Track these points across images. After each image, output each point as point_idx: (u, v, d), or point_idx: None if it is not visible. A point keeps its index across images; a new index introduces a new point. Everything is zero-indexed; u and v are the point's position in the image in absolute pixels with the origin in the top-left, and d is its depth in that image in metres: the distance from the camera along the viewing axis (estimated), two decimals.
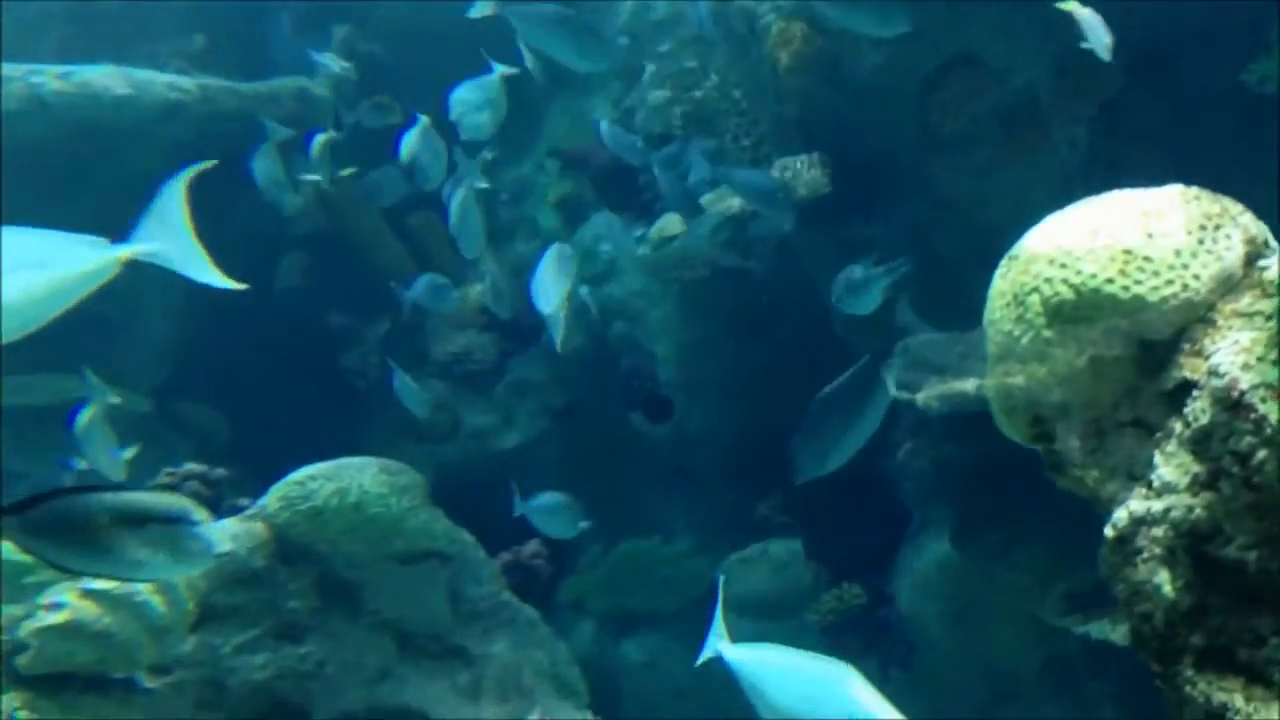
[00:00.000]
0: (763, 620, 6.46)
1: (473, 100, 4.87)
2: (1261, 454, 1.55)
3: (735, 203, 5.22)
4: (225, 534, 3.60)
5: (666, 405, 6.35)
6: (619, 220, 5.96)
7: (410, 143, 4.75)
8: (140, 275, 2.36)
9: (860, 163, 4.96)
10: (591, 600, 6.04)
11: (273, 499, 3.90)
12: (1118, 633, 5.19)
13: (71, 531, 2.24)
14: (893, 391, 4.54)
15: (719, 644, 3.73)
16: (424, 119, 4.80)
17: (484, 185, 4.96)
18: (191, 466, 4.56)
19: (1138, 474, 1.68)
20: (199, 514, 2.46)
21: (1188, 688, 1.60)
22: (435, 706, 3.87)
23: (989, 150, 4.53)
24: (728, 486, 6.69)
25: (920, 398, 4.11)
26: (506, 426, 6.29)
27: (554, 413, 6.31)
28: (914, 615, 5.96)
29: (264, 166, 5.02)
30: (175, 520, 2.39)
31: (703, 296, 5.87)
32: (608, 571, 6.27)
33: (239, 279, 2.40)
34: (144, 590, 3.38)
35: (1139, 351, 1.71)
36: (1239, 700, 1.54)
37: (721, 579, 3.98)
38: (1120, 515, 1.68)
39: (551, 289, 4.22)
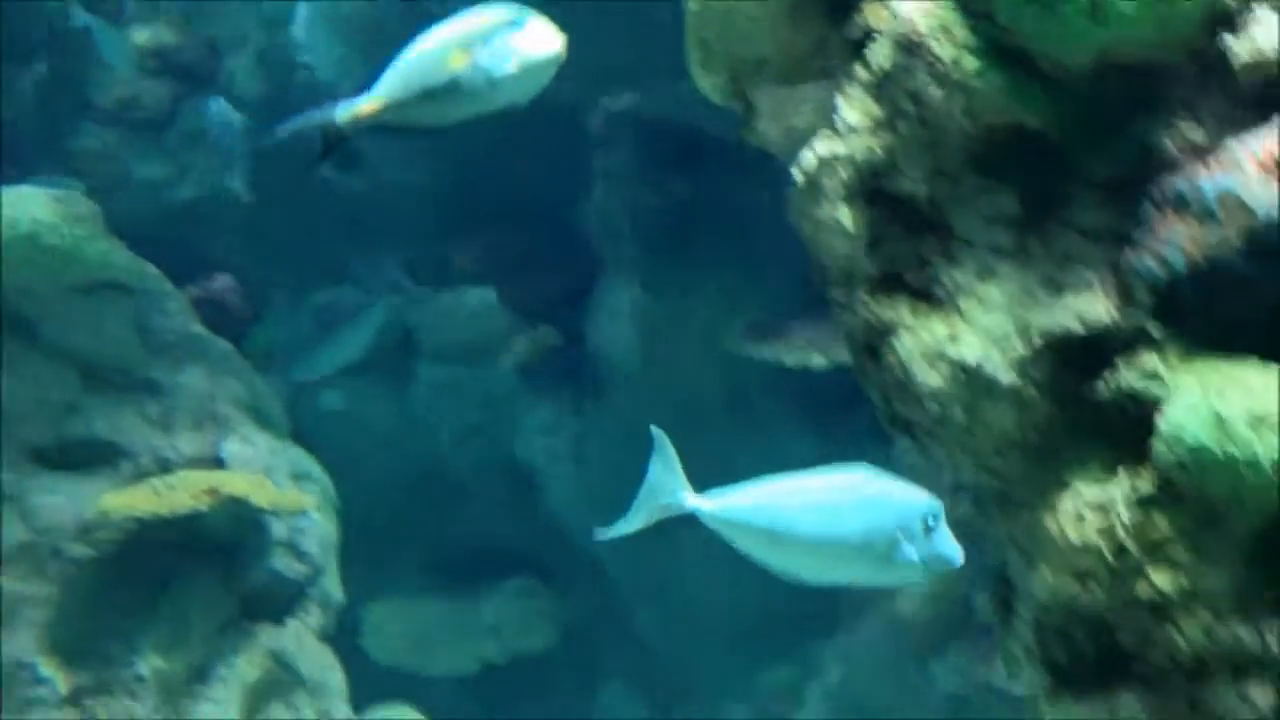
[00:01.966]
0: (460, 365, 6.54)
1: None
2: (935, 92, 1.67)
3: None
4: None
5: (356, 154, 6.20)
6: None
7: None
8: None
9: None
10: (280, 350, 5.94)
11: None
12: (791, 357, 5.52)
13: None
14: None
15: (687, 501, 3.50)
16: None
17: None
18: None
19: (824, 121, 1.78)
20: None
21: (863, 311, 1.74)
22: (126, 437, 3.79)
23: None
24: (423, 237, 6.64)
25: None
26: (181, 179, 5.98)
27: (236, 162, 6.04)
28: (605, 351, 6.16)
29: None
30: None
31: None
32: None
33: None
34: None
35: (829, 2, 1.80)
36: (906, 315, 1.69)
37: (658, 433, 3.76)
38: (807, 158, 1.78)
39: None
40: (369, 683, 4.84)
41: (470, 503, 6.54)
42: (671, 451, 3.97)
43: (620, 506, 6.76)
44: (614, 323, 6.18)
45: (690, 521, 5.33)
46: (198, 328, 4.09)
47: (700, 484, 5.06)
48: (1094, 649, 1.53)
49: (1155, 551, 1.48)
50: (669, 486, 3.86)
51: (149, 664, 3.54)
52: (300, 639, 3.93)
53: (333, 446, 4.98)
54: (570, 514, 6.43)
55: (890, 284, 1.72)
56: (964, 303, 1.66)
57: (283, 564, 3.93)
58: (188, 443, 3.81)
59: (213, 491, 3.46)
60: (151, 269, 4.02)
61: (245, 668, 3.72)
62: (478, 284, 6.57)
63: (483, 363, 6.55)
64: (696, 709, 6.42)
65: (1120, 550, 1.49)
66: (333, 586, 4.17)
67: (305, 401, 6.24)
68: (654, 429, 4.04)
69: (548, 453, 6.44)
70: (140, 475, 3.68)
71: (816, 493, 3.43)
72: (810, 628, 5.95)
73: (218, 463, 3.83)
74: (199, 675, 3.71)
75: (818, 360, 5.60)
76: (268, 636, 3.82)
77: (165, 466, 3.72)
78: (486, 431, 6.56)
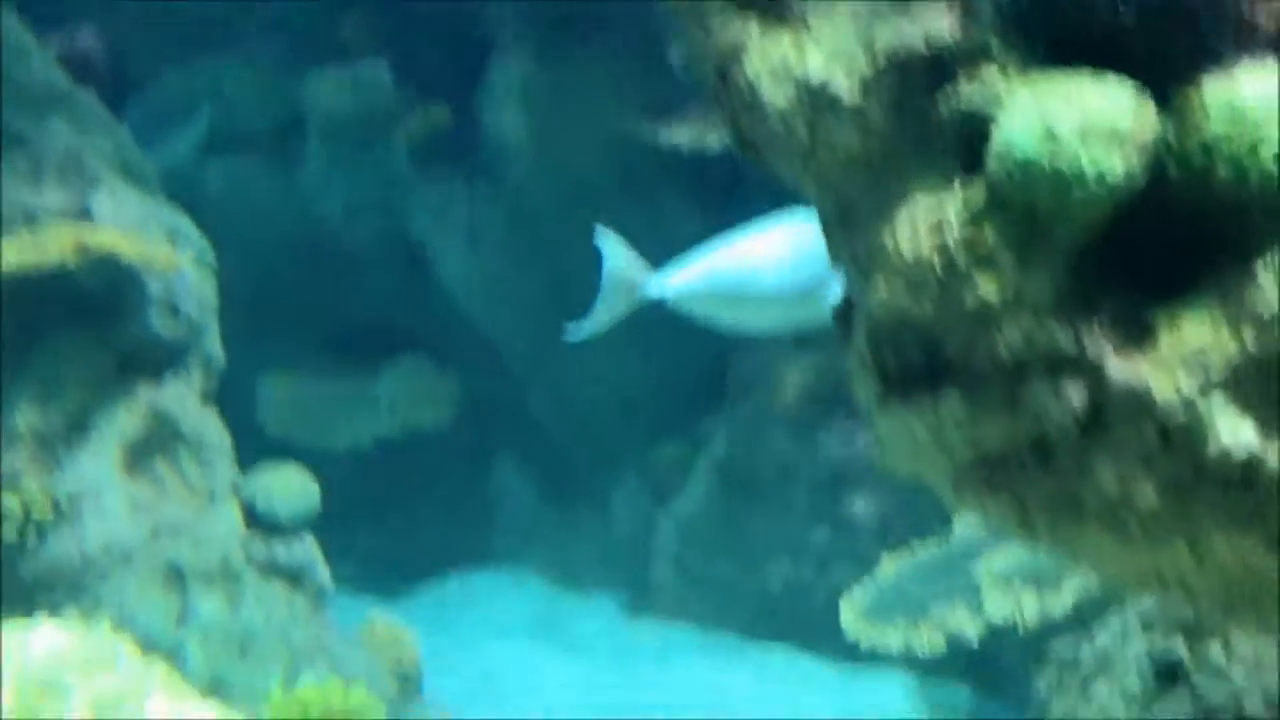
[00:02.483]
0: (350, 142, 6.42)
1: None
2: None
3: None
4: None
5: None
6: None
7: None
8: None
9: None
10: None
11: None
12: (684, 138, 5.48)
13: None
14: None
15: (652, 287, 3.41)
16: None
17: None
18: None
19: None
20: None
21: (715, 31, 1.72)
22: None
23: None
24: (311, 10, 6.45)
25: None
26: None
27: None
28: (496, 130, 6.07)
29: None
30: None
31: None
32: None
33: None
34: None
35: None
36: (754, 33, 1.68)
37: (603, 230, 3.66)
38: None
39: None
40: (263, 457, 4.87)
41: (363, 280, 6.51)
42: (623, 245, 3.95)
43: (513, 287, 6.78)
44: (505, 100, 6.08)
45: (584, 295, 5.36)
46: (63, 81, 3.96)
47: (586, 266, 5.09)
48: (922, 358, 1.58)
49: (983, 262, 1.51)
50: (632, 277, 3.84)
51: (23, 418, 3.53)
52: (181, 398, 3.93)
53: (217, 225, 4.89)
54: (463, 292, 6.44)
55: (742, 2, 1.70)
56: (813, 20, 1.65)
57: (159, 322, 3.90)
58: (54, 197, 3.72)
59: (80, 245, 3.39)
60: (13, 20, 3.86)
61: (124, 423, 3.72)
62: (367, 56, 6.41)
63: (374, 140, 6.44)
64: (588, 485, 6.57)
65: (950, 262, 1.53)
66: (213, 348, 4.16)
67: (191, 173, 6.12)
68: (599, 228, 4.02)
69: (440, 231, 6.40)
70: (4, 229, 3.59)
71: (760, 253, 3.44)
72: (699, 404, 6.08)
73: (85, 216, 3.75)
74: (77, 429, 3.70)
75: (711, 141, 5.58)
76: (147, 394, 3.81)
77: (31, 219, 3.64)
78: (378, 209, 6.48)
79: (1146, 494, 1.46)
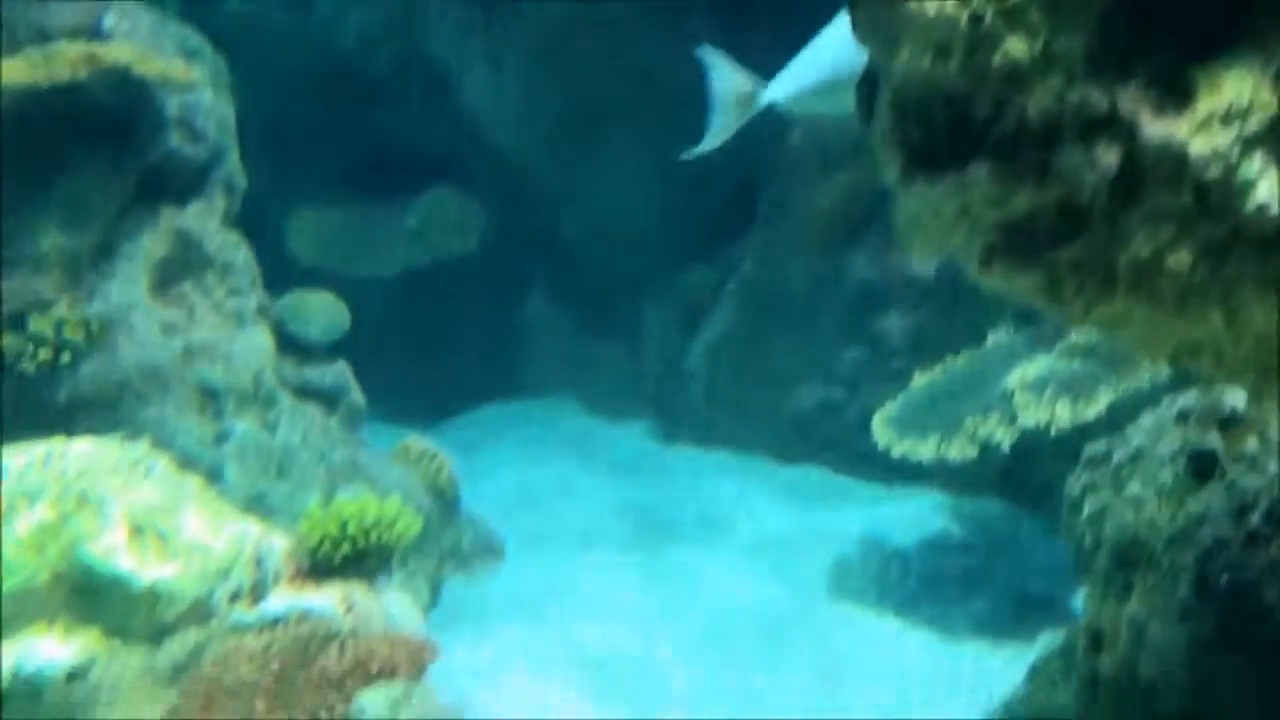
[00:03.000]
0: None
1: None
2: None
3: None
4: None
5: None
6: None
7: None
8: None
9: None
10: None
11: None
12: None
13: None
14: None
15: (765, 96, 3.59)
16: None
17: None
18: None
19: None
20: None
21: None
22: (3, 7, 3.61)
23: None
24: None
25: None
26: None
27: None
28: None
29: None
30: None
31: None
32: None
33: None
34: None
35: None
36: None
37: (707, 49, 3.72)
38: None
39: None
40: (294, 285, 4.87)
41: (385, 110, 6.43)
42: (728, 61, 3.96)
43: (537, 113, 6.65)
44: None
45: (610, 121, 5.26)
46: None
47: (610, 89, 4.97)
48: (947, 126, 1.53)
49: (1012, 19, 1.45)
50: (743, 90, 3.87)
51: (50, 241, 3.52)
52: (205, 220, 3.91)
53: (236, 56, 4.81)
54: (487, 120, 6.35)
55: None
56: None
57: (179, 143, 3.86)
58: (66, 14, 3.64)
59: (91, 59, 3.33)
60: None
61: (150, 245, 3.71)
62: None
63: None
64: (619, 313, 6.56)
65: (977, 19, 1.46)
66: (235, 170, 4.12)
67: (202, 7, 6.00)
68: (703, 48, 4.01)
69: (461, 58, 6.29)
70: (17, 48, 3.53)
71: (840, 46, 3.47)
72: (728, 229, 6.02)
73: (97, 34, 3.68)
74: (103, 253, 3.69)
75: None
76: (170, 216, 3.79)
77: (43, 37, 3.57)
78: (397, 37, 6.37)
79: (1181, 258, 1.42)
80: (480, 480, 5.43)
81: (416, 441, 4.63)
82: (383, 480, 4.16)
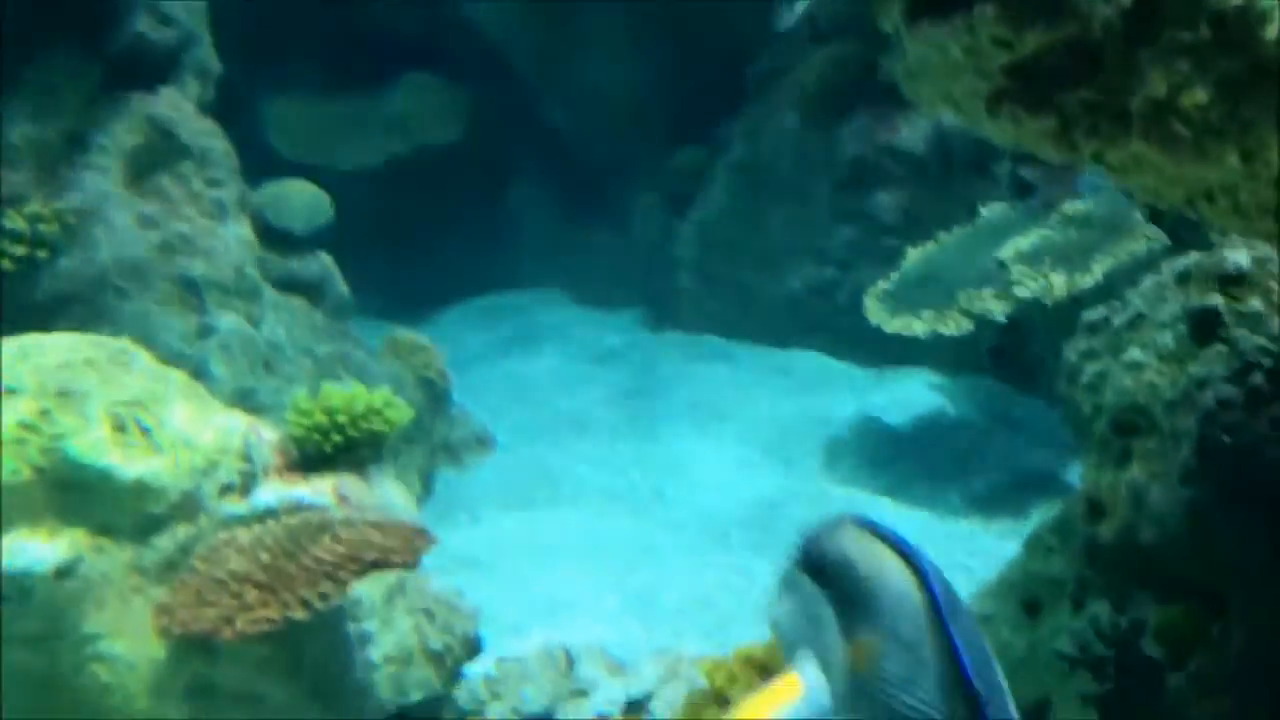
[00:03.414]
0: None
1: None
2: None
3: None
4: None
5: None
6: None
7: None
8: None
9: None
10: None
11: None
12: None
13: None
14: None
15: None
16: None
17: None
18: None
19: None
20: None
21: None
22: None
23: None
24: None
25: None
26: None
27: None
28: None
29: None
30: None
31: None
32: None
33: None
34: None
35: None
36: None
37: None
38: None
39: None
40: (274, 176, 4.76)
41: None
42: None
43: None
44: None
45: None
46: None
47: None
48: None
49: None
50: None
51: (20, 132, 3.41)
52: (178, 107, 3.80)
53: None
54: (471, 3, 6.19)
55: None
56: None
57: (147, 28, 3.73)
58: None
59: None
60: None
61: (123, 135, 3.60)
62: None
63: None
64: (607, 199, 6.47)
65: None
66: (207, 56, 3.99)
67: None
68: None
69: None
70: None
71: None
72: (716, 108, 5.91)
73: None
74: (75, 144, 3.59)
75: None
76: (142, 104, 3.68)
77: None
78: None
79: (1197, 95, 1.35)
80: (470, 372, 5.38)
81: (406, 335, 4.57)
82: (372, 374, 4.11)
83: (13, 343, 2.58)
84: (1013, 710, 1.17)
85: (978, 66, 1.48)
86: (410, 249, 6.30)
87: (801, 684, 1.26)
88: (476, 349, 5.79)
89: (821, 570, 1.26)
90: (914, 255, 4.40)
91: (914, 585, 1.21)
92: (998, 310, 3.84)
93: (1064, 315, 3.91)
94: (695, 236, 5.84)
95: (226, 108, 4.37)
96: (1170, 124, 1.37)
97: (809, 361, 5.40)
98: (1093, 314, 3.07)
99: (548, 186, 6.64)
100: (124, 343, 2.70)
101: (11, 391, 2.46)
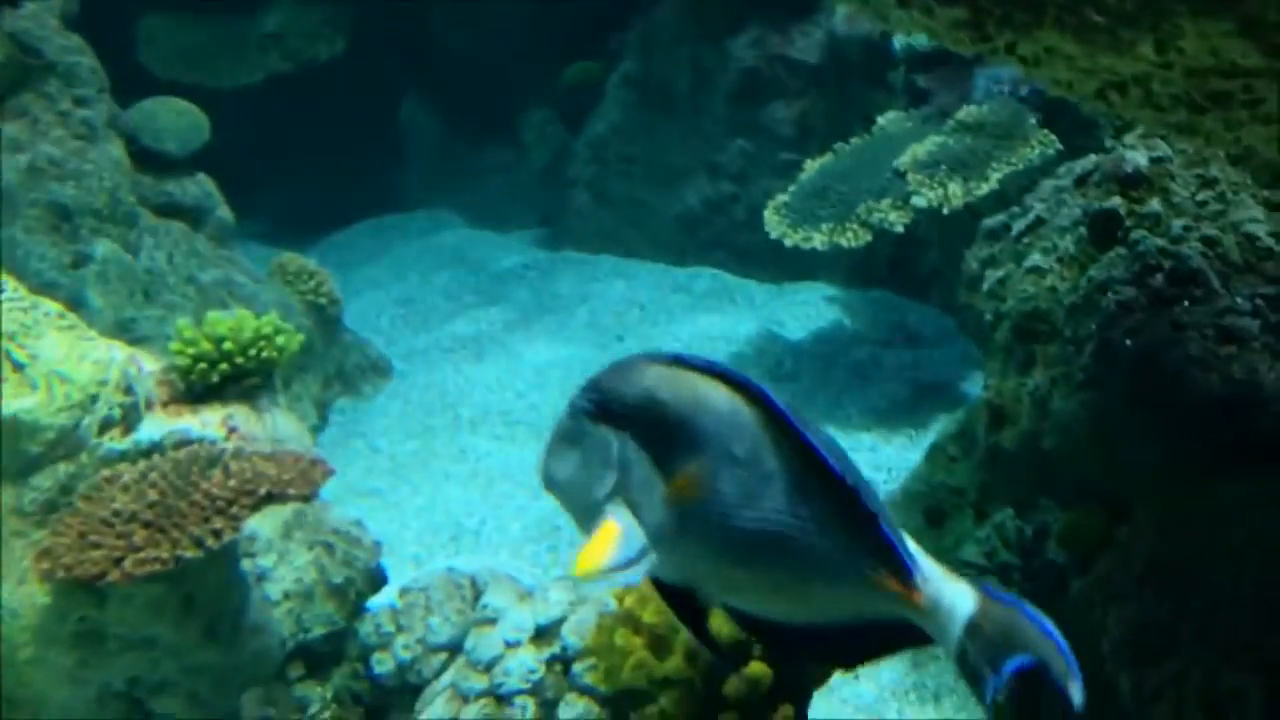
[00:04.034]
0: None
1: None
2: None
3: None
4: None
5: None
6: None
7: None
8: None
9: None
10: None
11: None
12: None
13: None
14: None
15: None
16: None
17: None
18: None
19: None
20: None
21: None
22: None
23: None
24: None
25: None
26: None
27: None
28: None
29: None
30: None
31: None
32: None
33: None
34: None
35: None
36: None
37: None
38: None
39: None
40: (148, 96, 4.54)
41: None
42: None
43: None
44: None
45: None
46: None
47: None
48: None
49: None
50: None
51: None
52: (41, 21, 3.59)
53: None
54: None
55: None
56: None
57: None
58: None
59: None
60: None
61: None
62: None
63: None
64: (498, 116, 6.33)
65: None
66: None
67: None
68: None
69: None
70: None
71: None
72: (607, 20, 5.78)
73: None
74: None
75: None
76: (1, 18, 3.46)
77: None
78: None
79: None
80: (361, 297, 5.25)
81: (293, 259, 4.42)
82: (258, 301, 3.97)
83: None
84: (881, 503, 1.16)
85: None
86: (295, 170, 6.12)
87: (617, 528, 1.23)
88: (367, 273, 5.65)
89: (620, 414, 1.23)
90: (811, 167, 4.35)
91: (742, 404, 1.19)
92: (896, 221, 3.81)
93: (960, 224, 3.91)
94: (589, 153, 5.74)
95: (91, 24, 4.16)
96: (1085, 12, 1.32)
97: (708, 279, 5.36)
98: (992, 221, 3.05)
99: (437, 102, 6.48)
100: None
101: None
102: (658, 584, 1.28)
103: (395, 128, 6.50)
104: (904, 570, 1.15)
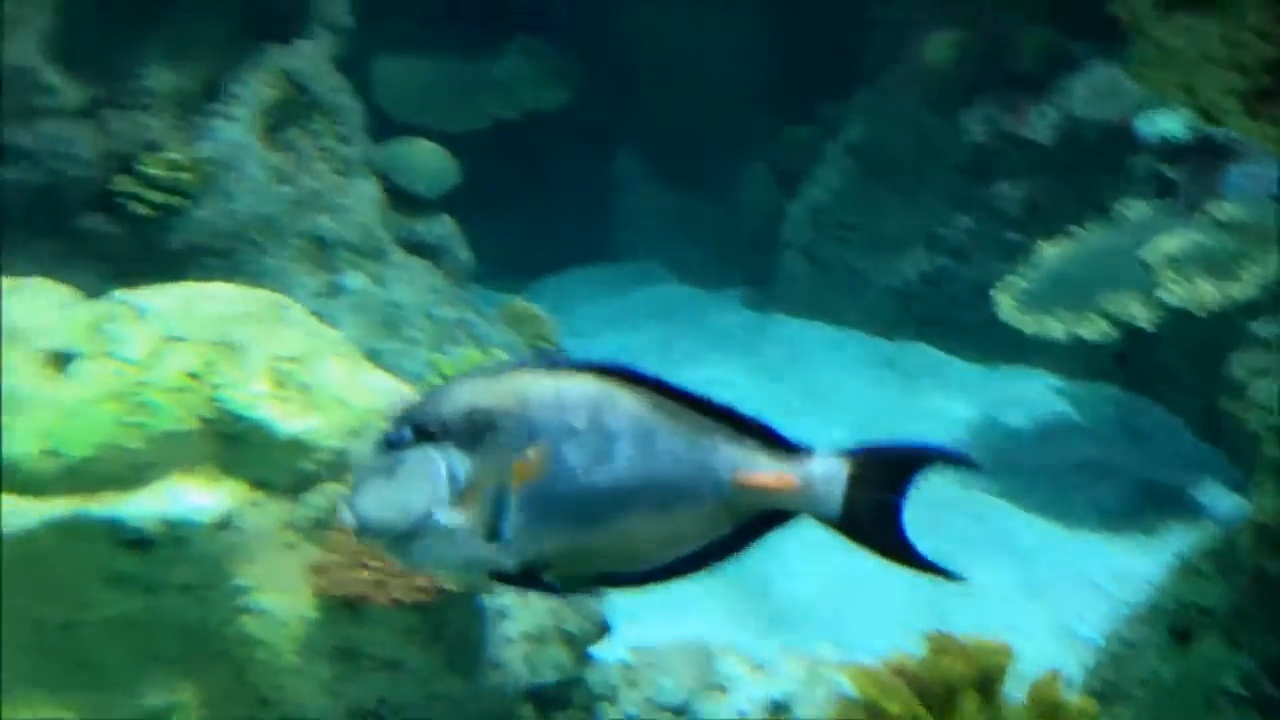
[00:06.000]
0: None
1: None
2: None
3: None
4: None
5: None
6: None
7: None
8: None
9: None
10: None
11: None
12: None
13: None
14: None
15: None
16: None
17: None
18: None
19: None
20: None
21: None
22: None
23: None
24: None
25: None
26: None
27: None
28: None
29: None
30: None
31: None
32: None
33: None
34: None
35: None
36: None
37: None
38: None
39: None
40: (385, 136, 4.69)
41: None
42: None
43: None
44: None
45: None
46: None
47: None
48: None
49: None
50: None
51: (158, 78, 3.35)
52: (315, 61, 3.73)
53: None
54: None
55: None
56: None
57: None
58: None
59: None
60: None
61: (259, 86, 3.54)
62: None
63: None
64: (713, 174, 6.38)
65: None
66: (338, 9, 3.92)
67: None
68: None
69: None
70: None
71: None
72: (828, 86, 5.79)
73: None
74: (211, 93, 3.53)
75: None
76: (278, 56, 3.61)
77: None
78: None
79: None
80: (583, 341, 5.30)
81: (522, 303, 4.50)
82: (489, 341, 4.04)
83: (174, 290, 2.53)
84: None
85: (1235, 59, 1.37)
86: (510, 214, 6.23)
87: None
88: (585, 319, 5.71)
89: (436, 430, 1.26)
90: (1049, 252, 4.26)
91: (585, 382, 1.25)
92: (1142, 316, 3.71)
93: (1201, 323, 3.78)
94: (807, 219, 5.73)
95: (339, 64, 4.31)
96: None
97: (919, 354, 5.28)
98: (1265, 328, 2.95)
99: (653, 158, 6.55)
100: (280, 296, 2.63)
101: (177, 340, 2.40)
102: (502, 576, 1.28)
103: (609, 179, 6.59)
104: (784, 444, 1.23)
